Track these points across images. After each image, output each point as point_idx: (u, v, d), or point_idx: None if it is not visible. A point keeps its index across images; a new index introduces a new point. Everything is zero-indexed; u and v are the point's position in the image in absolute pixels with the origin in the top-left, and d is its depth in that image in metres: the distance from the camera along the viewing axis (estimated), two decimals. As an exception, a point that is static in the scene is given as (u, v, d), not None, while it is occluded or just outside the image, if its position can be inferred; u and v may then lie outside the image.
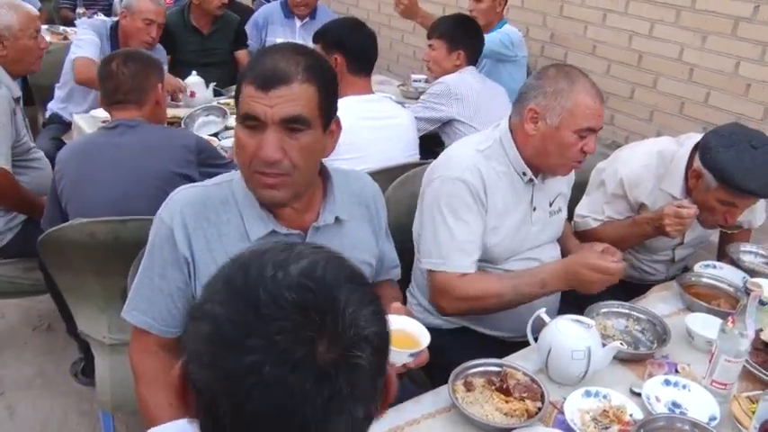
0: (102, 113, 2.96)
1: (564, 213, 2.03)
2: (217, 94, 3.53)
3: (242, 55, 4.10)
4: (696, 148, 2.02)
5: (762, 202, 2.22)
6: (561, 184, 1.98)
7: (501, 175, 1.82)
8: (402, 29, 5.22)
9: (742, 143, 1.90)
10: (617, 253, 1.74)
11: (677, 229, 1.96)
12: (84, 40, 3.26)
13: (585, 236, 2.19)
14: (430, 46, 3.14)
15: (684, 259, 2.34)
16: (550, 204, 1.93)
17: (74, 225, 1.79)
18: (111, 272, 1.86)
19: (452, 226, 1.77)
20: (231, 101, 3.39)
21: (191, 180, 2.07)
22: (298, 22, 4.08)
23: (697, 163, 1.98)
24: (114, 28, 3.37)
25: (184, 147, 2.18)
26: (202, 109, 3.13)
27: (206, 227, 1.36)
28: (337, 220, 1.46)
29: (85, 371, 2.62)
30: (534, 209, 1.88)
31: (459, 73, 3.02)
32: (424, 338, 1.39)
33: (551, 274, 1.73)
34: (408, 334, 1.40)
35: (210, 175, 2.05)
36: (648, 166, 2.11)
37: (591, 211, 2.22)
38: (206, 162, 2.21)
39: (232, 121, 3.05)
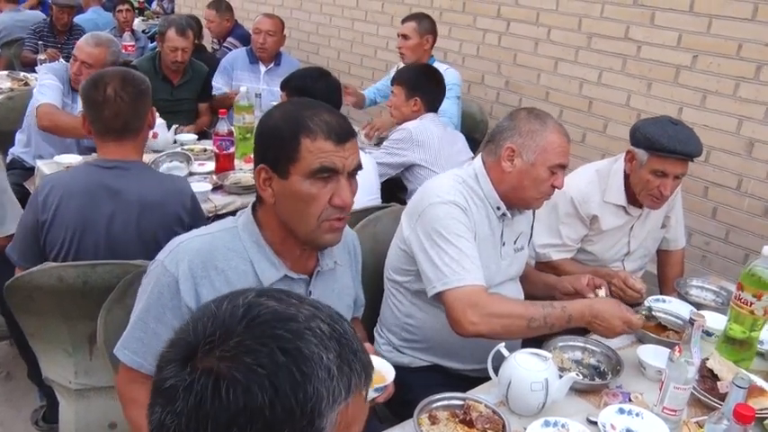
0: (66, 159, 2.99)
1: (526, 251, 2.14)
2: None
3: (202, 108, 4.18)
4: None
5: (681, 224, 2.55)
6: (524, 224, 2.09)
7: (479, 207, 1.92)
8: (362, 76, 5.36)
9: (663, 120, 2.24)
10: (603, 283, 1.98)
11: (618, 294, 2.11)
12: (47, 86, 3.27)
13: (548, 267, 2.38)
14: (392, 92, 3.27)
15: (634, 272, 2.50)
16: (515, 242, 2.03)
17: (43, 269, 1.80)
18: (79, 316, 1.88)
19: (457, 243, 1.81)
20: (195, 146, 3.45)
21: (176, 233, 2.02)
22: (263, 68, 4.20)
23: (630, 148, 2.27)
24: None
25: (182, 207, 2.11)
26: (167, 155, 3.18)
27: (213, 275, 1.40)
28: (335, 264, 1.56)
29: (46, 417, 2.58)
30: (503, 243, 1.98)
31: (420, 119, 3.14)
32: (389, 374, 1.45)
33: (577, 312, 1.78)
34: (375, 371, 1.45)
35: (193, 226, 2.04)
36: (592, 182, 2.38)
37: (549, 236, 2.40)
38: (192, 225, 2.07)
39: (196, 166, 3.12)
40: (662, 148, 2.14)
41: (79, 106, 3.28)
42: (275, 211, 1.42)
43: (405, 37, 3.86)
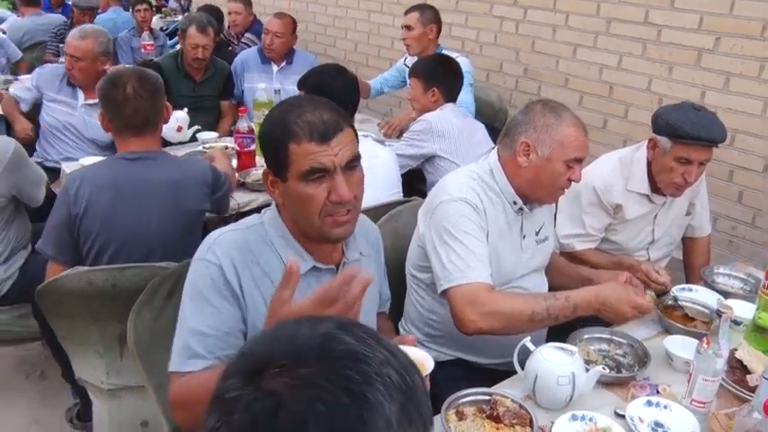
0: (90, 161, 3.03)
1: (551, 241, 2.13)
2: (193, 139, 3.60)
3: (225, 106, 4.19)
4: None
5: (707, 210, 2.53)
6: (546, 214, 2.08)
7: (494, 202, 1.91)
8: (379, 67, 5.35)
9: (686, 106, 2.20)
10: (640, 285, 1.90)
11: (640, 286, 2.03)
12: (24, 87, 3.57)
13: (572, 257, 2.35)
14: (410, 85, 3.27)
15: (659, 260, 2.49)
16: (537, 233, 2.03)
17: (71, 274, 1.84)
18: (108, 318, 1.92)
19: (465, 241, 1.81)
20: (216, 144, 3.48)
21: (206, 213, 2.34)
22: (275, 68, 4.18)
23: (652, 135, 2.24)
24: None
25: (203, 183, 2.27)
26: (188, 155, 3.21)
27: (252, 267, 1.44)
28: (360, 254, 1.58)
29: (80, 416, 2.64)
30: (524, 236, 1.97)
31: (440, 110, 3.14)
32: (429, 364, 1.47)
33: (583, 300, 1.77)
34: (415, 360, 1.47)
35: (219, 201, 2.34)
36: (615, 170, 2.35)
37: (572, 226, 2.39)
38: (214, 190, 2.32)
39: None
40: (685, 135, 2.11)
41: (79, 101, 3.42)
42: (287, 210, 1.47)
43: (408, 28, 3.84)
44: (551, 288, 2.09)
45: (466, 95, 3.71)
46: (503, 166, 1.92)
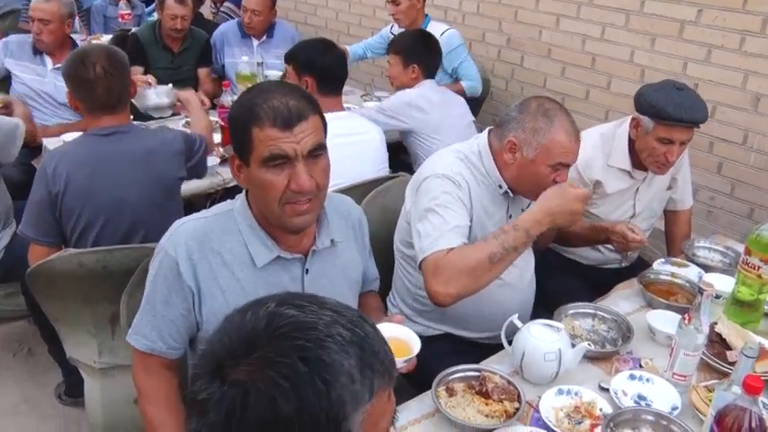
0: (71, 137, 3.00)
1: None
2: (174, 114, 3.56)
3: (203, 73, 4.13)
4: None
5: (688, 183, 2.55)
6: None
7: (480, 183, 1.92)
8: (360, 35, 5.30)
9: (668, 86, 2.21)
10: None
11: (621, 247, 2.20)
12: None
13: None
14: (389, 62, 3.25)
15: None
16: (522, 211, 2.05)
17: (62, 256, 1.84)
18: (99, 299, 1.93)
19: (442, 213, 1.81)
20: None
21: (183, 181, 2.37)
22: (255, 41, 4.12)
23: (635, 113, 2.26)
24: None
25: (178, 152, 2.28)
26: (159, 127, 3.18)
27: (210, 257, 1.45)
28: (332, 242, 1.56)
29: (69, 392, 2.66)
30: (510, 216, 1.99)
31: (419, 87, 3.14)
32: (415, 346, 1.49)
33: (531, 220, 1.77)
34: (401, 341, 1.50)
35: (195, 167, 2.36)
36: (596, 146, 2.37)
37: None
38: (189, 157, 2.33)
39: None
40: (668, 116, 2.13)
41: (48, 66, 3.41)
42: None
43: (395, 3, 3.80)
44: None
45: (471, 68, 3.77)
46: (493, 154, 1.93)
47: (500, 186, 1.93)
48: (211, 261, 1.45)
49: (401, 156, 3.32)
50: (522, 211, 2.04)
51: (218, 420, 0.72)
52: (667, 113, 2.13)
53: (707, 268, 2.24)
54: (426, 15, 3.90)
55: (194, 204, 2.89)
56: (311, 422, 0.71)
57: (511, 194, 1.95)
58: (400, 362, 1.43)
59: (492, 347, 1.86)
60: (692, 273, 2.18)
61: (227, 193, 2.84)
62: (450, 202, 1.84)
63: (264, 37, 4.12)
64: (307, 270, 1.52)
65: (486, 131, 1.98)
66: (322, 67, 2.46)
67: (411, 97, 3.08)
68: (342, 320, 0.78)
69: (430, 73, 3.22)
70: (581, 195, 1.79)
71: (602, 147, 2.38)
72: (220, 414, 0.72)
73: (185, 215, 1.55)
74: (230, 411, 0.72)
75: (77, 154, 2.13)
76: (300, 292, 0.83)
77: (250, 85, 3.24)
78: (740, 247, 2.37)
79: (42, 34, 3.32)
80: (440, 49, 3.28)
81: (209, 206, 1.71)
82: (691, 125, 2.16)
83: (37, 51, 3.42)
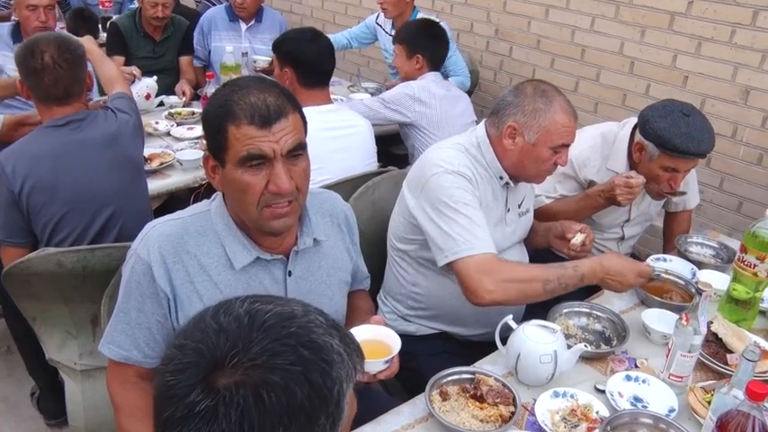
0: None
1: (531, 213, 2.12)
2: (159, 104, 3.51)
3: (184, 61, 4.04)
4: (636, 127, 2.22)
5: (695, 182, 2.47)
6: (527, 187, 2.07)
7: (482, 176, 1.88)
8: (345, 24, 5.22)
9: (675, 113, 2.11)
10: (591, 233, 1.98)
11: (627, 198, 2.14)
12: None
13: (541, 213, 2.31)
14: (394, 52, 3.22)
15: (633, 237, 2.50)
16: (519, 206, 2.02)
17: (40, 255, 1.77)
18: (80, 299, 1.87)
19: (466, 212, 1.78)
20: (182, 110, 3.39)
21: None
22: (243, 26, 4.03)
23: (638, 137, 2.18)
24: (16, 26, 3.32)
25: (135, 126, 2.28)
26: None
27: (186, 260, 1.38)
28: (315, 241, 1.50)
29: (41, 403, 2.59)
30: (508, 210, 1.96)
31: (422, 79, 3.08)
32: (395, 346, 1.43)
33: (590, 270, 1.78)
34: (380, 342, 1.45)
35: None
36: (594, 147, 2.31)
37: (544, 190, 2.36)
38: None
39: (184, 130, 3.07)
40: (674, 148, 2.06)
41: None
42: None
43: None
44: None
45: (460, 60, 3.72)
46: (491, 143, 1.89)
47: (501, 177, 1.89)
48: (187, 265, 1.38)
49: (389, 148, 3.26)
50: (519, 205, 2.01)
51: (231, 424, 0.71)
52: (674, 145, 2.05)
53: (699, 264, 2.21)
54: (414, 8, 3.83)
55: (177, 199, 2.83)
56: (320, 404, 0.73)
57: (512, 184, 1.91)
58: (380, 363, 1.39)
59: (485, 345, 1.83)
60: (685, 269, 2.16)
61: (211, 187, 2.77)
62: (468, 200, 1.81)
63: (253, 21, 4.03)
64: (290, 272, 1.47)
65: (482, 123, 1.93)
66: (305, 59, 2.39)
67: (414, 89, 3.02)
68: (311, 308, 0.82)
69: (435, 64, 3.14)
70: (644, 272, 1.82)
71: (601, 147, 2.32)
72: (232, 416, 0.70)
73: (168, 210, 1.48)
74: (244, 410, 0.70)
75: (35, 149, 2.04)
76: (258, 295, 0.82)
77: (235, 77, 3.22)
78: (730, 242, 2.36)
79: (49, 21, 3.23)
80: (447, 40, 3.21)
81: (193, 201, 1.65)
82: (697, 157, 2.10)
83: (18, 40, 3.29)
